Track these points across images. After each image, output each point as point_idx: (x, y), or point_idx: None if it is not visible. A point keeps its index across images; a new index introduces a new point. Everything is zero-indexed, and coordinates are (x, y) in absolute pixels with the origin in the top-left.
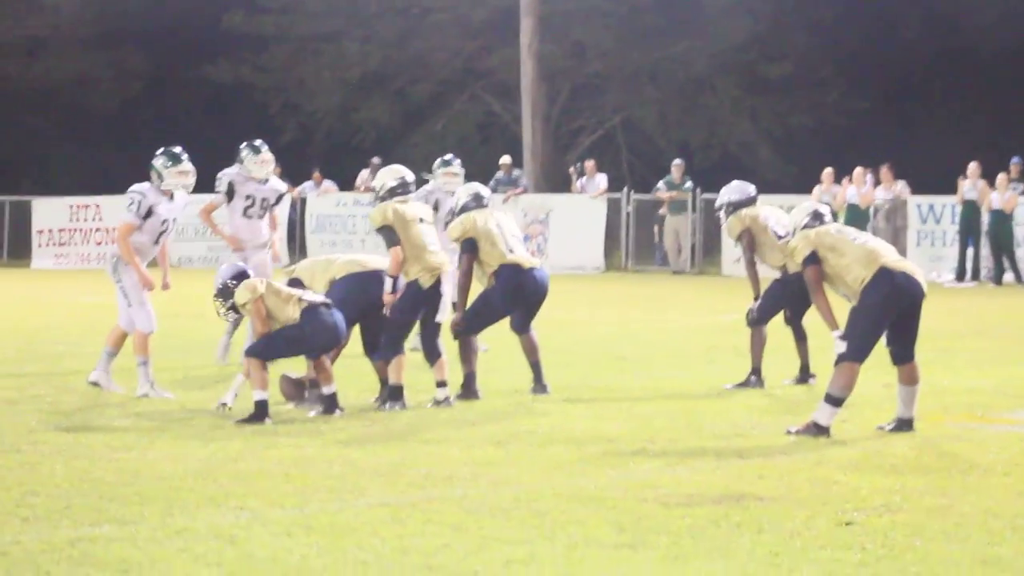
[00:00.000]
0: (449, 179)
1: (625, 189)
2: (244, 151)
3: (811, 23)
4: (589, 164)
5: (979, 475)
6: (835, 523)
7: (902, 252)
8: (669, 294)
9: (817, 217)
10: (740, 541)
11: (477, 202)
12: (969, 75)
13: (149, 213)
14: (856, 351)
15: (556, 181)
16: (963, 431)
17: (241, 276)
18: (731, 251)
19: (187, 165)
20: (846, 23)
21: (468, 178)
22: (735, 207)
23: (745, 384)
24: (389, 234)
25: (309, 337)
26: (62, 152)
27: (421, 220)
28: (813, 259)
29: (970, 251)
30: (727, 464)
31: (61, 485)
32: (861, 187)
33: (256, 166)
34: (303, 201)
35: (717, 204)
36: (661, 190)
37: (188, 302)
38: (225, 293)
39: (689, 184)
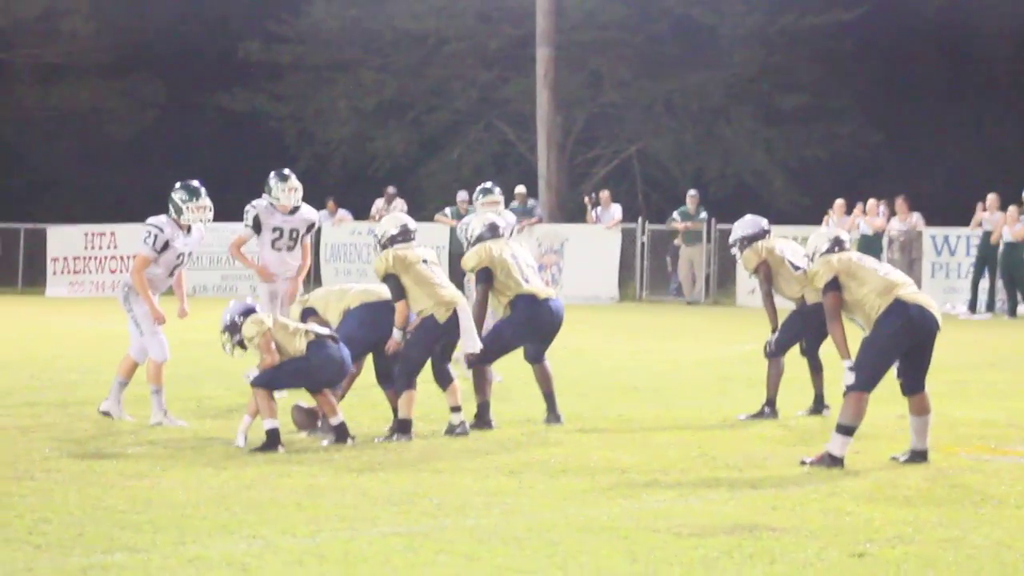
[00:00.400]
0: (490, 207)
1: (640, 219)
2: (272, 179)
3: (826, 54)
4: (604, 194)
5: (992, 507)
6: (848, 554)
7: (916, 284)
8: (683, 325)
9: (838, 243)
10: (753, 572)
11: (492, 232)
12: (984, 107)
13: (165, 247)
14: (865, 381)
15: (571, 211)
16: (976, 463)
17: (248, 312)
18: (745, 282)
19: (205, 200)
20: (861, 54)
21: None
22: (749, 240)
23: (759, 415)
24: (393, 284)
25: (315, 369)
26: (77, 180)
27: (425, 261)
28: (834, 285)
29: (984, 283)
30: (740, 495)
31: (74, 512)
32: (874, 218)
33: (284, 193)
34: (318, 230)
35: (731, 239)
36: (676, 221)
37: (202, 330)
38: (232, 328)
39: (704, 215)
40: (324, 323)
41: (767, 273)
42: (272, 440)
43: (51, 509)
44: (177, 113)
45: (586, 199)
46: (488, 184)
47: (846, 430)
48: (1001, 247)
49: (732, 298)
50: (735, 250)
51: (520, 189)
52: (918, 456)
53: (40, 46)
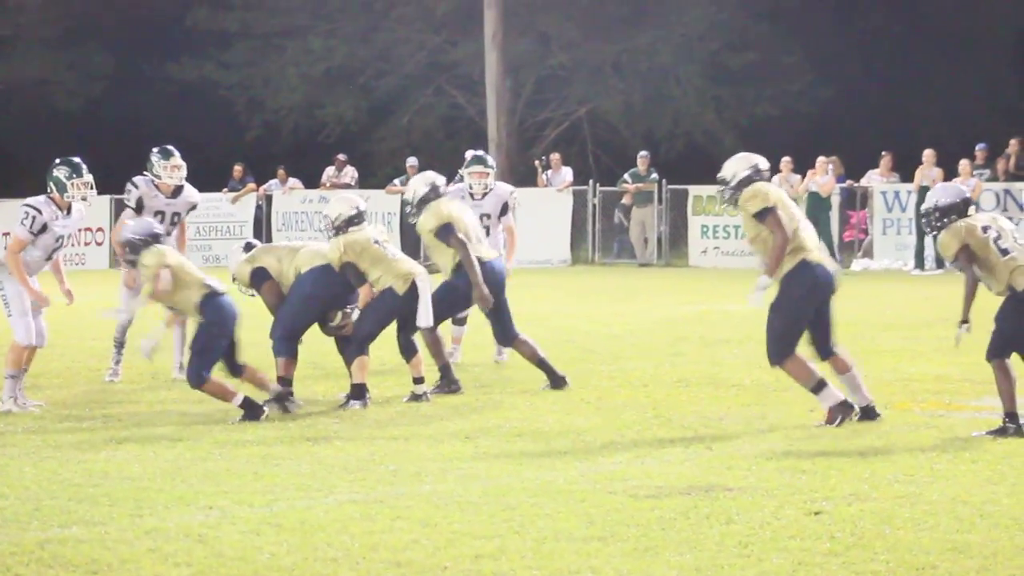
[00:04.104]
0: (476, 179)
1: (591, 182)
2: (154, 156)
3: (774, 11)
4: (555, 157)
5: (947, 462)
6: (804, 512)
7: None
8: (636, 286)
9: (759, 172)
10: (710, 532)
11: (435, 192)
12: (933, 61)
13: (43, 229)
14: (782, 352)
15: (522, 174)
16: (931, 418)
17: (151, 238)
18: (698, 242)
19: (88, 176)
20: (810, 10)
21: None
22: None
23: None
24: (351, 271)
25: (214, 326)
26: (25, 153)
27: (376, 241)
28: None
29: (928, 239)
30: (696, 455)
31: (30, 487)
32: (823, 176)
33: (165, 171)
34: (268, 199)
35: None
36: (627, 182)
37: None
38: (132, 246)
39: (655, 176)
40: (278, 284)
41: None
42: (251, 410)
43: (7, 484)
44: (126, 84)
45: (536, 162)
46: (479, 152)
47: (816, 389)
48: None
49: (684, 259)
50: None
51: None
52: (868, 412)
53: None
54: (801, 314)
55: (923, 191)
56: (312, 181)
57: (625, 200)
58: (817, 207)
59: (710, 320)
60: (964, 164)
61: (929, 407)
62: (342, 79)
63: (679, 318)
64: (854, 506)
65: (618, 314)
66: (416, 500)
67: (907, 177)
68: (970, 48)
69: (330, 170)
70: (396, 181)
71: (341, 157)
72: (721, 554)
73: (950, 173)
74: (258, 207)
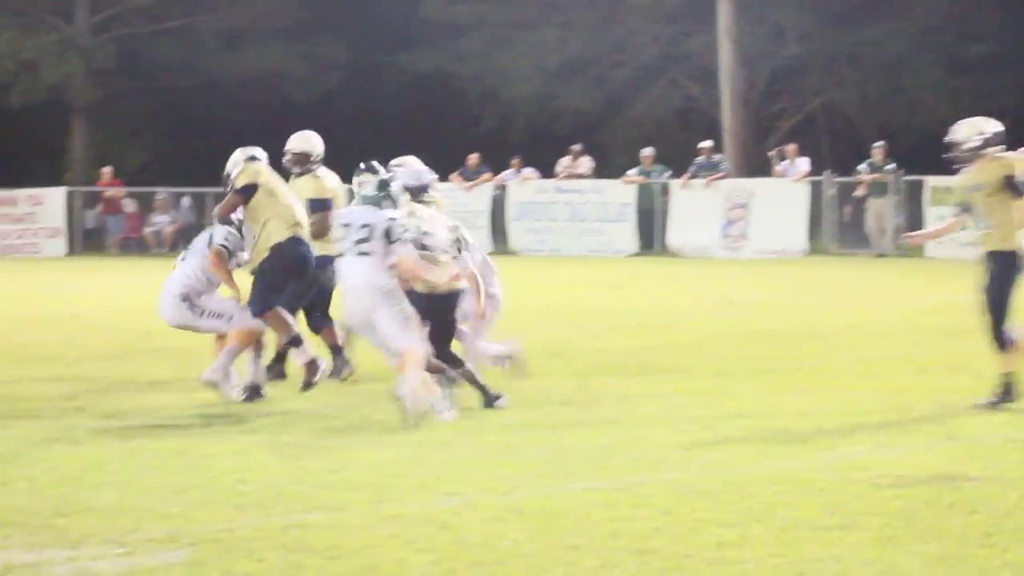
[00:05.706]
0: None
1: (827, 172)
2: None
3: (1010, 1)
4: (791, 148)
5: None
6: None
7: None
8: (872, 276)
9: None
10: (953, 522)
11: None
12: None
13: None
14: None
15: (756, 165)
16: None
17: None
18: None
19: None
20: None
21: (666, 162)
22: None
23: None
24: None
25: None
26: (261, 144)
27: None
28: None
29: None
30: (937, 445)
31: (272, 473)
32: None
33: None
34: (504, 188)
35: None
36: (863, 172)
37: None
38: None
39: (892, 166)
40: None
41: None
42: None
43: (251, 470)
44: (359, 75)
45: (770, 153)
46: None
47: (293, 343)
48: None
49: (920, 249)
50: None
51: (706, 143)
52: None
53: (223, 10)
54: (277, 281)
55: None
56: (547, 171)
57: (860, 191)
58: None
59: (948, 310)
60: None
61: None
62: (576, 70)
63: (917, 308)
64: None
65: (854, 304)
66: (657, 488)
67: None
68: None
69: (565, 160)
70: (629, 172)
71: (576, 147)
72: (965, 544)
73: None
74: (494, 196)
